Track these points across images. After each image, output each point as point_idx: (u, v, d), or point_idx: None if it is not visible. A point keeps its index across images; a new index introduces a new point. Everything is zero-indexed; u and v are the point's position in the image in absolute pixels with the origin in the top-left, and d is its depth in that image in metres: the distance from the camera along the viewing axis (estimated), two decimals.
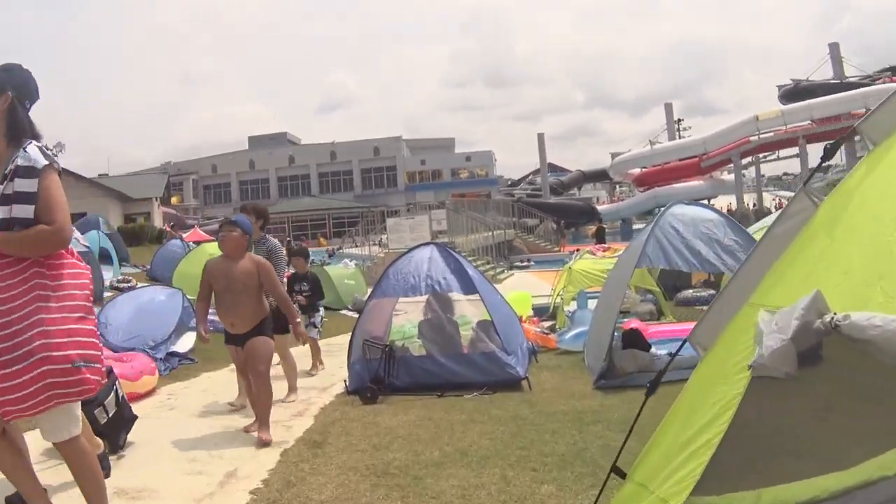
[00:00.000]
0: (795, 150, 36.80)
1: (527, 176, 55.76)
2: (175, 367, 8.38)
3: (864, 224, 1.96)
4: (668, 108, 47.97)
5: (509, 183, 58.63)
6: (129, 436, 4.94)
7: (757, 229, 9.68)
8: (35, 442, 3.57)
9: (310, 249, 9.76)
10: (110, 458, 4.54)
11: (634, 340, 6.94)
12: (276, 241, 6.88)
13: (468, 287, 7.06)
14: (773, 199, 41.23)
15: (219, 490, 4.11)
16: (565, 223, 37.48)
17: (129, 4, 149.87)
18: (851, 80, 37.86)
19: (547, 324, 10.59)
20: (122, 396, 4.68)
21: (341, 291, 15.51)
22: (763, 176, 41.54)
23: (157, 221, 37.34)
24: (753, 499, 2.49)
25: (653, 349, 7.03)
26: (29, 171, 2.73)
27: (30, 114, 2.94)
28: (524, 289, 13.64)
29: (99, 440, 4.02)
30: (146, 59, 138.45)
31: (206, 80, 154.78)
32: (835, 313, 1.72)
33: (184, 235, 26.67)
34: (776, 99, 40.63)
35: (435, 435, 4.98)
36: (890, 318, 1.60)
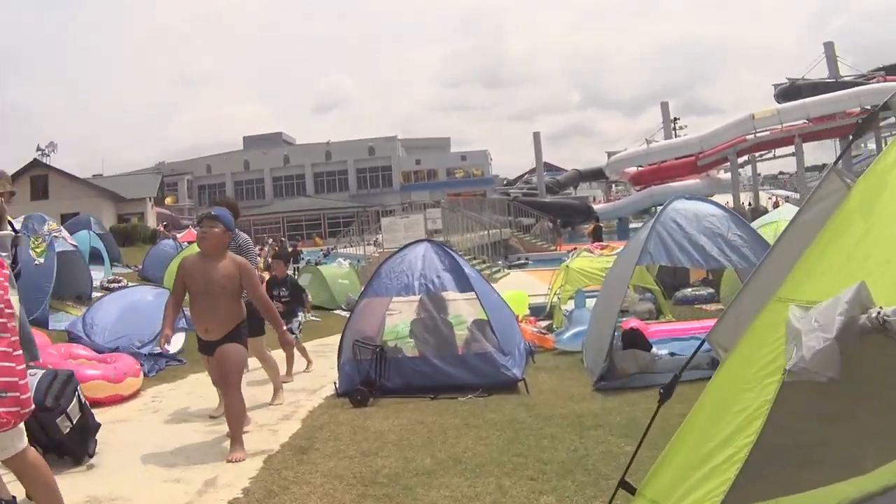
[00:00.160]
0: (791, 148, 36.78)
1: (523, 175, 55.50)
2: (162, 368, 8.17)
3: None
4: (665, 106, 47.86)
5: (505, 182, 58.36)
6: (104, 441, 4.71)
7: (756, 227, 9.46)
8: None
9: (305, 249, 9.50)
10: (77, 468, 4.29)
11: (635, 340, 6.70)
12: (246, 235, 6.59)
13: (464, 285, 6.81)
14: (770, 198, 41.21)
15: (196, 499, 3.93)
16: (561, 222, 37.33)
17: (126, 5, 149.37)
18: (846, 79, 37.86)
19: (544, 323, 10.36)
20: (85, 403, 4.41)
21: (335, 291, 15.30)
22: (759, 175, 41.52)
23: (151, 222, 37.06)
24: None
25: (653, 349, 6.80)
26: None
27: None
28: (520, 288, 13.41)
29: None
30: (141, 60, 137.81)
31: (202, 81, 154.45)
32: (881, 307, 1.49)
33: (178, 236, 26.38)
34: (771, 98, 40.63)
35: (427, 440, 4.74)
36: None
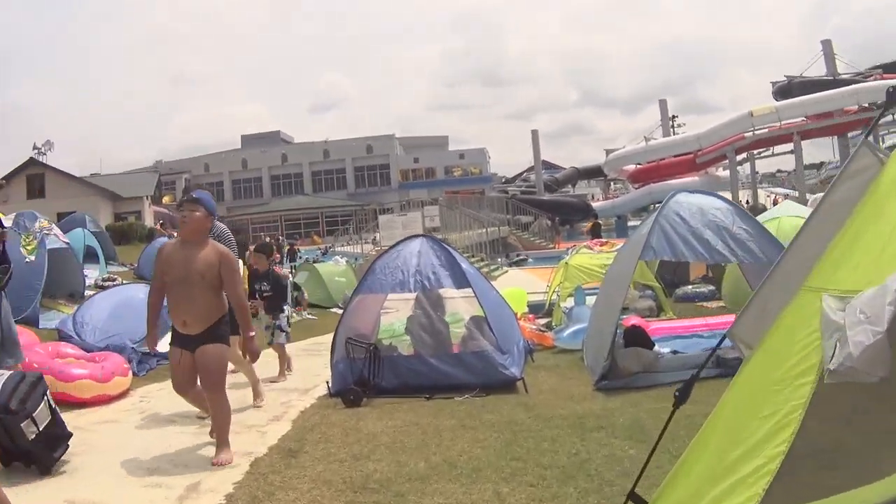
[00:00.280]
0: (790, 146, 36.62)
1: (521, 173, 55.31)
2: (153, 367, 8.00)
3: None
4: (663, 104, 47.72)
5: (503, 180, 58.19)
6: (88, 442, 4.52)
7: None
8: None
9: (304, 248, 9.27)
10: (42, 478, 4.09)
11: (637, 338, 6.47)
12: (223, 224, 6.29)
13: (460, 281, 6.60)
14: (768, 196, 41.07)
15: None
16: (560, 220, 37.16)
17: (125, 4, 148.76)
18: (844, 76, 37.72)
19: (543, 321, 10.16)
20: (55, 409, 4.19)
21: (331, 289, 15.13)
22: (757, 173, 41.36)
23: (148, 220, 36.87)
24: None
25: (656, 347, 6.59)
26: None
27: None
28: (519, 285, 13.21)
29: None
30: (140, 60, 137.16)
31: (200, 80, 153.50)
32: None
33: (174, 234, 26.21)
34: (768, 97, 40.50)
35: (421, 443, 4.53)
36: None
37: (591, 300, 9.19)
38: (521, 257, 25.94)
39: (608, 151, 46.09)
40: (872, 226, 1.58)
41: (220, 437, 4.49)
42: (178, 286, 4.34)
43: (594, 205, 42.67)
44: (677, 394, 1.87)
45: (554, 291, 10.96)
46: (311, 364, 7.96)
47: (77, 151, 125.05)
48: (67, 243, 11.67)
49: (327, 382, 6.40)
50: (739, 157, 37.98)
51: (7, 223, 9.70)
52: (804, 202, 24.66)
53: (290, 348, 7.76)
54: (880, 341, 1.26)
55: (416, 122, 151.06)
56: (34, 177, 39.12)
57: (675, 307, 10.80)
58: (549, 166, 53.33)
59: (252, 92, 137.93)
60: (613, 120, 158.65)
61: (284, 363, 7.43)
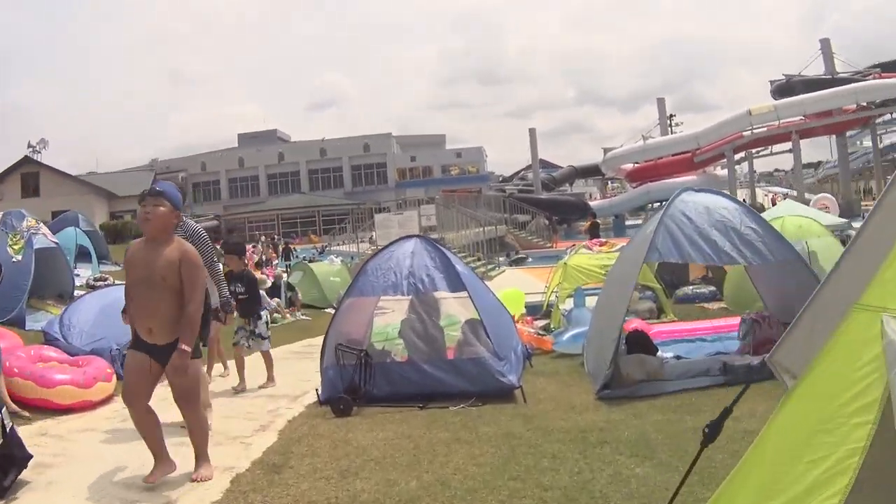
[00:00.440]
0: (788, 145, 36.45)
1: (518, 172, 55.05)
2: None
3: None
4: (661, 102, 47.36)
5: (500, 179, 57.95)
6: (65, 453, 4.27)
7: None
8: None
9: (300, 247, 8.96)
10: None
11: (640, 343, 6.20)
12: (194, 223, 5.93)
13: (455, 284, 6.34)
14: (766, 195, 40.94)
15: None
16: (557, 219, 36.92)
17: (123, 4, 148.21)
18: (843, 75, 37.55)
19: (541, 323, 9.91)
20: (12, 428, 3.92)
21: (326, 289, 14.87)
22: (755, 172, 41.17)
23: None
24: None
25: (659, 352, 6.34)
26: None
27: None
28: (516, 286, 12.94)
29: None
30: (138, 59, 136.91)
31: (197, 79, 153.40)
32: None
33: None
34: (767, 96, 40.29)
35: (413, 459, 4.26)
36: None
37: (590, 301, 8.95)
38: (521, 256, 25.71)
39: (606, 150, 45.82)
40: None
41: (199, 450, 4.22)
42: (139, 288, 3.96)
43: (592, 203, 42.43)
44: (706, 430, 1.62)
45: (552, 292, 10.71)
46: (304, 368, 7.69)
47: (74, 150, 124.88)
48: (56, 243, 11.42)
49: (316, 390, 6.15)
50: (737, 156, 37.79)
51: None
52: (803, 201, 24.46)
53: (281, 351, 7.50)
54: None
55: (413, 120, 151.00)
56: (29, 175, 38.86)
57: (675, 309, 10.56)
58: (546, 165, 53.08)
59: (249, 91, 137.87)
60: (611, 118, 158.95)
61: (272, 369, 7.13)
